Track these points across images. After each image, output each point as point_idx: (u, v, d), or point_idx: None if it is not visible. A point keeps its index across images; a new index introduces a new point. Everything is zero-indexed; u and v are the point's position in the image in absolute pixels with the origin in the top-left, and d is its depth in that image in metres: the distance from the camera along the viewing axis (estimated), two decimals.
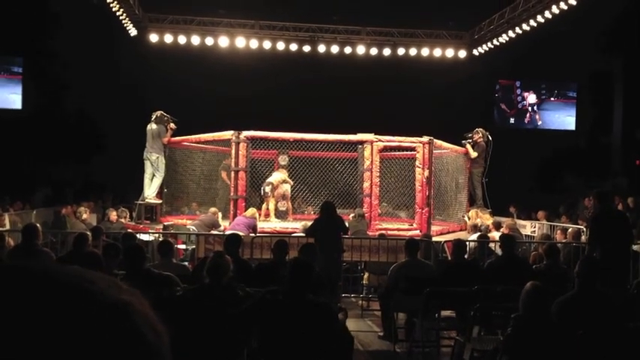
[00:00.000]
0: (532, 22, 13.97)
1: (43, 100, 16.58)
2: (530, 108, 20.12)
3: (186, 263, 6.30)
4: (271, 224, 10.63)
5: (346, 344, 4.35)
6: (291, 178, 11.90)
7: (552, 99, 20.15)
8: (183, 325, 3.78)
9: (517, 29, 14.55)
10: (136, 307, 0.57)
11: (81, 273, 0.57)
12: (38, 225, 6.50)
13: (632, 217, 10.64)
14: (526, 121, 20.21)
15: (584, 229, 9.68)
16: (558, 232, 10.18)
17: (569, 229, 9.63)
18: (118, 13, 14.04)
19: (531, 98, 20.09)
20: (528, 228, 12.03)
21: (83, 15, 14.28)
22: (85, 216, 10.22)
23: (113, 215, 10.10)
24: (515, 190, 15.03)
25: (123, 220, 10.10)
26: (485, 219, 11.25)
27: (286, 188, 11.47)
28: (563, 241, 9.16)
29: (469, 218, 11.67)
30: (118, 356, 0.53)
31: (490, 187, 12.27)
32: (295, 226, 9.88)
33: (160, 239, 8.19)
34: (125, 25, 14.76)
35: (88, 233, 6.75)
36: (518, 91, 20.15)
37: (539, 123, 20.16)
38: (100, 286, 0.56)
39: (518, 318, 3.95)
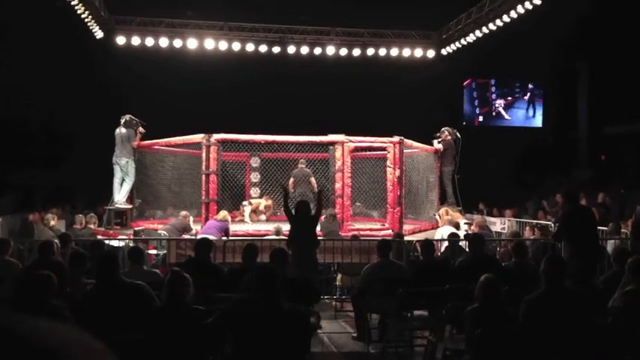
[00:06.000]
0: (498, 22, 14.18)
1: (11, 105, 16.16)
2: (498, 106, 20.41)
3: (157, 271, 6.21)
4: (244, 227, 10.60)
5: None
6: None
7: (525, 97, 20.47)
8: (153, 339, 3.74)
9: (484, 29, 14.75)
10: (70, 357, 0.55)
11: (20, 318, 0.56)
12: (11, 241, 6.35)
13: (600, 212, 10.91)
14: (494, 114, 20.47)
15: (553, 225, 9.87)
16: (527, 228, 10.32)
17: (538, 226, 9.78)
18: (83, 16, 13.81)
19: (501, 101, 20.39)
20: (498, 225, 12.19)
21: (48, 18, 13.98)
22: (52, 222, 9.99)
23: (81, 221, 9.89)
24: (485, 187, 15.23)
25: (92, 226, 9.91)
26: (456, 217, 11.37)
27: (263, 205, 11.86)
28: (532, 237, 9.31)
29: (440, 217, 11.80)
30: None
31: (460, 185, 12.41)
32: (268, 228, 9.85)
33: (131, 245, 8.08)
34: (91, 27, 14.52)
35: (55, 241, 6.62)
36: (493, 89, 20.43)
37: (508, 120, 20.48)
38: (32, 331, 0.54)
39: (474, 310, 4.08)
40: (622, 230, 9.45)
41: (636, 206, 11.05)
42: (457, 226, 10.41)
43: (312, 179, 11.93)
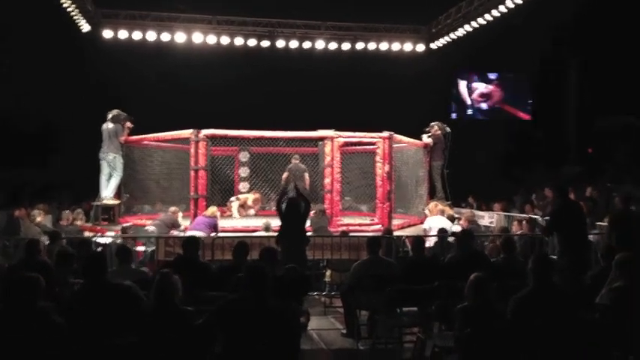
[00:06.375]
0: (488, 16, 14.19)
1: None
2: (487, 100, 20.44)
3: (145, 269, 6.17)
4: (233, 222, 10.55)
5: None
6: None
7: (511, 90, 20.53)
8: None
9: (473, 23, 14.75)
10: None
11: None
12: None
13: (588, 205, 10.95)
14: (483, 108, 20.51)
15: (541, 219, 9.90)
16: (515, 223, 10.35)
17: (524, 220, 9.81)
18: (69, 9, 13.64)
19: (489, 94, 20.43)
20: (486, 218, 12.23)
21: (33, 12, 13.79)
22: (39, 218, 9.88)
23: (67, 217, 9.79)
24: (474, 181, 15.26)
25: (79, 222, 9.81)
26: (446, 211, 11.39)
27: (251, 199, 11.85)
28: (519, 232, 9.35)
29: (429, 211, 11.82)
30: None
31: (449, 179, 12.43)
32: (257, 223, 9.81)
33: (119, 241, 8.01)
34: (77, 20, 14.35)
35: (41, 239, 6.55)
36: (482, 83, 20.45)
37: (497, 113, 20.51)
38: None
39: (464, 309, 4.10)
40: (597, 223, 9.46)
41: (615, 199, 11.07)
42: (451, 218, 10.43)
43: (306, 175, 11.94)
